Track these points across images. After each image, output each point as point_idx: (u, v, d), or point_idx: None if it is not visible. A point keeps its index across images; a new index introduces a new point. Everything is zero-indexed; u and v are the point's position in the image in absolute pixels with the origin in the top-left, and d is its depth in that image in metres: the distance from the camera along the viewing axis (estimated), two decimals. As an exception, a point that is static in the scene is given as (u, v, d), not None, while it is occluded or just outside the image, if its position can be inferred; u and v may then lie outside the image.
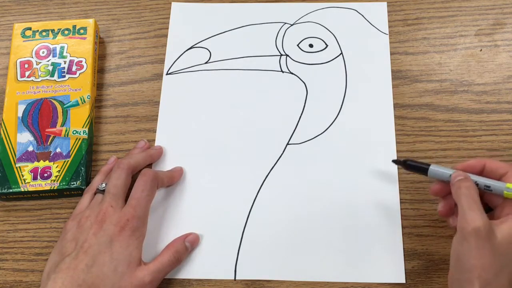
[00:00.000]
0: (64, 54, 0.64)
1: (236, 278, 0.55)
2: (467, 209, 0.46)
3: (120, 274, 0.49)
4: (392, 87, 0.63)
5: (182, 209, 0.58)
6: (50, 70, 0.63)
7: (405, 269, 0.54)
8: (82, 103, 0.61)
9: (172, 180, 0.58)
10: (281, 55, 0.66)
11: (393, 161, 0.56)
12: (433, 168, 0.51)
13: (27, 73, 0.63)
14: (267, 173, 0.59)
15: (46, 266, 0.51)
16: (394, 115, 0.62)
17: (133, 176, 0.56)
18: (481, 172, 0.50)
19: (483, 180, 0.48)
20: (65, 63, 0.63)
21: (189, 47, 0.67)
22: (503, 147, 0.60)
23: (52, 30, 0.65)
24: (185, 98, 0.64)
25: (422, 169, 0.51)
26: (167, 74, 0.65)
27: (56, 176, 0.58)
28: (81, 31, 0.65)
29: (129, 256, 0.50)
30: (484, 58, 0.65)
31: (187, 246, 0.55)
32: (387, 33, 0.66)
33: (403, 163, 0.53)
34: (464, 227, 0.45)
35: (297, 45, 0.66)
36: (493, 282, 0.45)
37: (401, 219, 0.57)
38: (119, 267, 0.49)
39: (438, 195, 0.51)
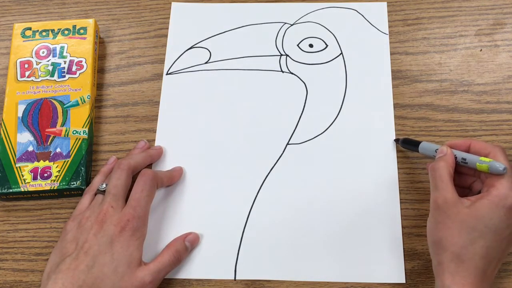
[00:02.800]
0: (64, 54, 0.64)
1: (236, 278, 0.55)
2: (434, 186, 0.49)
3: (121, 275, 0.49)
4: (392, 87, 0.63)
5: (182, 209, 0.58)
6: (50, 70, 0.63)
7: (405, 269, 0.54)
8: (82, 103, 0.61)
9: (172, 180, 0.58)
10: (281, 55, 0.66)
11: (394, 140, 0.60)
12: (423, 144, 0.56)
13: (27, 73, 0.63)
14: (267, 173, 0.59)
15: (47, 267, 0.51)
16: (394, 115, 0.62)
17: (133, 176, 0.56)
18: (467, 151, 0.52)
19: (460, 154, 0.51)
20: (65, 63, 0.63)
21: (189, 47, 0.67)
22: (503, 147, 0.60)
23: (52, 30, 0.65)
24: (185, 98, 0.64)
25: (415, 144, 0.56)
26: (167, 74, 0.65)
27: (56, 176, 0.58)
28: (81, 31, 0.65)
29: (130, 256, 0.50)
30: (484, 58, 0.65)
31: (187, 245, 0.55)
32: (387, 33, 0.66)
33: (401, 141, 0.59)
34: (432, 202, 0.49)
35: (297, 45, 0.66)
36: (462, 255, 0.46)
37: (401, 219, 0.57)
38: (119, 268, 0.49)
39: None
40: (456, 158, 0.51)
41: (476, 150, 0.51)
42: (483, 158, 0.49)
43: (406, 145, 0.58)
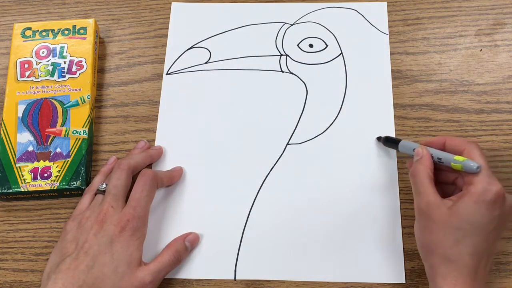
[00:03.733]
0: (64, 54, 0.64)
1: (236, 278, 0.55)
2: (415, 191, 0.50)
3: (121, 275, 0.49)
4: (392, 87, 0.63)
5: (182, 209, 0.58)
6: (50, 70, 0.63)
7: (405, 269, 0.54)
8: (82, 103, 0.61)
9: (172, 180, 0.58)
10: (281, 55, 0.66)
11: (377, 138, 0.60)
12: (403, 143, 0.56)
13: (27, 73, 0.63)
14: (267, 173, 0.59)
15: (47, 267, 0.51)
16: (394, 115, 0.62)
17: (133, 177, 0.56)
18: (443, 149, 0.52)
19: (436, 153, 0.51)
20: (65, 63, 0.63)
21: (189, 47, 0.67)
22: (503, 147, 0.60)
23: (52, 30, 0.65)
24: (185, 98, 0.64)
25: (395, 142, 0.57)
26: (167, 74, 0.65)
27: (56, 176, 0.58)
28: (81, 31, 0.65)
29: (130, 256, 0.50)
30: (484, 58, 0.65)
31: (187, 245, 0.55)
32: (387, 33, 0.66)
33: (383, 140, 0.59)
34: (416, 207, 0.49)
35: (297, 45, 0.66)
36: (451, 256, 0.46)
37: (401, 219, 0.57)
38: (119, 268, 0.49)
39: None
40: (432, 157, 0.51)
41: (452, 147, 0.51)
42: (457, 157, 0.49)
43: (387, 143, 0.59)
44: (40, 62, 0.63)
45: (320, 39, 0.66)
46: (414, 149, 0.53)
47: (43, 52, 0.64)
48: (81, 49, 0.64)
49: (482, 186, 0.47)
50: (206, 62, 0.66)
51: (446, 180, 0.52)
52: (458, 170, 0.49)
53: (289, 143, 0.61)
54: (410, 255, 0.55)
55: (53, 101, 0.61)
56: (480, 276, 0.47)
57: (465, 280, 0.46)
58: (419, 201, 0.49)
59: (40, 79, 0.62)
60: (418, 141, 0.60)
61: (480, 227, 0.46)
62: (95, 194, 0.55)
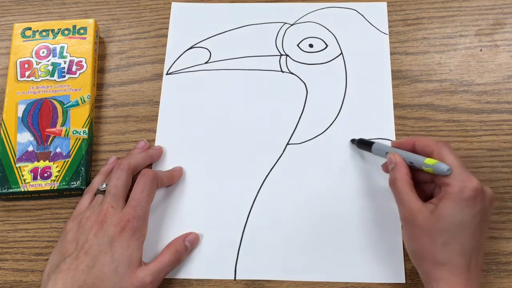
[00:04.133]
0: (64, 54, 0.64)
1: (236, 278, 0.55)
2: (397, 200, 0.50)
3: (121, 275, 0.49)
4: (392, 87, 0.63)
5: (182, 209, 0.58)
6: (50, 70, 0.63)
7: (405, 269, 0.54)
8: (82, 103, 0.61)
9: (172, 180, 0.58)
10: (281, 55, 0.66)
11: (351, 141, 0.60)
12: (376, 145, 0.56)
13: (27, 73, 0.63)
14: (267, 173, 0.59)
15: (47, 267, 0.51)
16: (394, 115, 0.62)
17: (133, 176, 0.56)
18: (413, 150, 0.52)
19: (408, 157, 0.50)
20: (65, 63, 0.63)
21: (189, 47, 0.67)
22: (503, 147, 0.60)
23: (52, 30, 0.65)
24: (185, 98, 0.64)
25: (368, 145, 0.57)
26: (167, 74, 0.65)
27: (56, 176, 0.58)
28: (81, 31, 0.65)
29: (130, 256, 0.50)
30: (484, 58, 0.65)
31: (187, 245, 0.55)
32: (387, 33, 0.66)
33: (357, 142, 0.59)
34: (400, 216, 0.49)
35: (297, 45, 0.66)
36: (441, 259, 0.46)
37: (401, 219, 0.57)
38: (119, 268, 0.49)
39: (387, 172, 0.53)
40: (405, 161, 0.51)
41: (421, 148, 0.51)
42: (427, 161, 0.48)
43: (361, 146, 0.58)
44: (40, 62, 0.63)
45: (320, 39, 0.66)
46: (387, 153, 0.52)
47: (43, 52, 0.64)
48: (81, 49, 0.64)
49: (458, 185, 0.46)
50: (206, 62, 0.66)
51: (425, 179, 0.52)
52: (430, 173, 0.49)
53: (289, 143, 0.61)
54: (410, 255, 0.55)
55: (53, 101, 0.61)
56: (473, 272, 0.47)
57: (458, 280, 0.46)
58: (403, 209, 0.49)
59: (40, 79, 0.62)
60: (418, 141, 0.60)
61: (464, 226, 0.46)
62: (95, 194, 0.55)
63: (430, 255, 0.47)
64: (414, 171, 0.50)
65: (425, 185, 0.52)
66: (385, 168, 0.55)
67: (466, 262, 0.46)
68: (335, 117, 0.62)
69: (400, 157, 0.51)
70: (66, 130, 0.60)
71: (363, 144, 0.58)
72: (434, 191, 0.51)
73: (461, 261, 0.46)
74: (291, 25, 0.67)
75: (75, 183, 0.58)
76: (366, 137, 0.60)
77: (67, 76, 0.63)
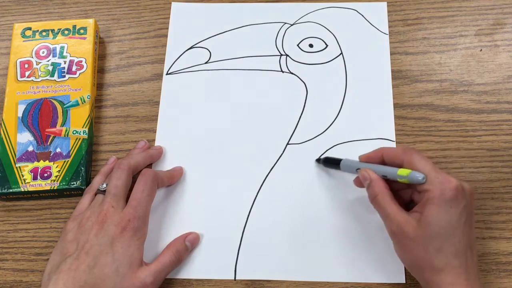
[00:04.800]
0: (64, 54, 0.64)
1: (236, 278, 0.55)
2: (381, 215, 0.49)
3: (122, 275, 0.49)
4: (392, 87, 0.63)
5: (182, 209, 0.58)
6: (50, 70, 0.63)
7: (405, 269, 0.54)
8: (82, 103, 0.61)
9: (172, 180, 0.58)
10: (281, 55, 0.66)
11: (316, 160, 0.59)
12: (344, 162, 0.55)
13: (27, 73, 0.63)
14: (267, 173, 0.59)
15: (47, 267, 0.51)
16: (394, 115, 0.62)
17: (133, 176, 0.56)
18: (383, 162, 0.51)
19: (380, 170, 0.50)
20: (65, 63, 0.63)
21: (189, 47, 0.67)
22: (503, 147, 0.60)
23: (52, 30, 0.65)
24: (185, 98, 0.64)
25: (336, 163, 0.56)
26: (167, 74, 0.65)
27: (56, 176, 0.58)
28: (81, 31, 0.65)
29: (131, 257, 0.50)
30: (484, 58, 0.65)
31: (187, 245, 0.55)
32: (387, 33, 0.66)
33: (322, 161, 0.58)
34: (387, 231, 0.49)
35: (297, 45, 0.66)
36: (438, 265, 0.46)
37: (401, 219, 0.57)
38: (120, 268, 0.49)
39: (360, 186, 0.53)
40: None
41: (391, 159, 0.50)
42: (400, 172, 0.48)
43: (328, 164, 0.57)
44: (40, 62, 0.63)
45: (320, 39, 0.66)
46: (357, 169, 0.52)
47: (43, 52, 0.64)
48: (81, 49, 0.64)
49: (438, 189, 0.46)
50: (206, 62, 0.66)
51: (400, 187, 0.51)
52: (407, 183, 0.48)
53: (289, 143, 0.61)
54: (410, 255, 0.55)
55: (53, 101, 0.61)
56: (471, 271, 0.47)
57: (459, 281, 0.46)
58: (389, 223, 0.48)
59: (40, 79, 0.62)
60: (416, 141, 0.60)
61: (453, 227, 0.46)
62: (95, 194, 0.55)
63: (427, 263, 0.46)
64: (389, 181, 0.50)
65: (402, 192, 0.52)
66: (358, 183, 0.54)
67: (462, 263, 0.46)
68: (335, 117, 0.62)
69: (374, 172, 0.50)
70: (66, 130, 0.60)
71: (330, 163, 0.57)
72: (412, 195, 0.50)
73: (457, 263, 0.46)
74: (291, 25, 0.67)
75: (75, 183, 0.58)
76: (366, 137, 0.60)
77: (67, 76, 0.63)
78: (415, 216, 0.47)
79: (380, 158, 0.51)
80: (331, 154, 0.60)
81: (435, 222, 0.46)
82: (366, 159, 0.53)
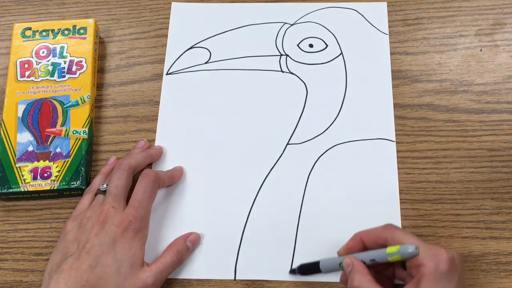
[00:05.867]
0: (64, 54, 0.64)
1: (236, 278, 0.55)
2: None
3: (124, 276, 0.49)
4: (392, 87, 0.63)
5: (182, 209, 0.58)
6: (50, 70, 0.63)
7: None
8: (82, 103, 0.61)
9: (172, 180, 0.58)
10: (281, 55, 0.66)
11: (290, 272, 0.54)
12: (323, 262, 0.51)
13: (27, 73, 0.63)
14: (267, 173, 0.59)
15: (47, 266, 0.51)
16: (394, 115, 0.62)
17: (134, 176, 0.56)
18: (365, 247, 0.50)
19: (366, 256, 0.48)
20: (65, 63, 0.63)
21: (189, 47, 0.67)
22: (503, 147, 0.60)
23: (52, 30, 0.65)
24: (185, 98, 0.64)
25: (314, 266, 0.52)
26: (167, 74, 0.65)
27: (56, 176, 0.58)
28: (81, 31, 0.65)
29: (132, 257, 0.50)
30: (484, 58, 0.65)
31: (188, 245, 0.55)
32: (387, 33, 0.66)
33: (298, 270, 0.53)
34: None
35: (297, 45, 0.66)
36: None
37: (401, 219, 0.57)
38: (122, 268, 0.49)
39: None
40: (364, 263, 0.48)
41: (372, 241, 0.49)
42: (389, 250, 0.46)
43: (305, 271, 0.53)
44: (40, 62, 0.63)
45: (320, 39, 0.66)
46: (340, 263, 0.49)
47: (43, 52, 0.64)
48: (81, 49, 0.64)
49: (431, 262, 0.45)
50: (206, 62, 0.66)
51: (381, 268, 0.50)
52: (399, 261, 0.47)
53: (289, 143, 0.61)
54: (410, 255, 0.55)
55: (53, 101, 0.61)
56: None
57: None
58: None
59: (40, 79, 0.62)
60: (416, 141, 0.60)
61: None
62: (96, 195, 0.55)
63: None
64: (370, 266, 0.48)
65: (384, 271, 0.51)
66: (344, 279, 0.50)
67: None
68: (335, 117, 0.62)
69: (356, 258, 0.48)
70: (66, 130, 0.60)
71: (307, 269, 0.53)
72: (394, 271, 0.50)
73: None
74: (291, 25, 0.67)
75: (75, 183, 0.58)
76: (366, 137, 0.60)
77: (67, 76, 0.63)
78: None
79: (360, 244, 0.50)
80: (331, 154, 0.60)
81: None
82: (346, 251, 0.50)
